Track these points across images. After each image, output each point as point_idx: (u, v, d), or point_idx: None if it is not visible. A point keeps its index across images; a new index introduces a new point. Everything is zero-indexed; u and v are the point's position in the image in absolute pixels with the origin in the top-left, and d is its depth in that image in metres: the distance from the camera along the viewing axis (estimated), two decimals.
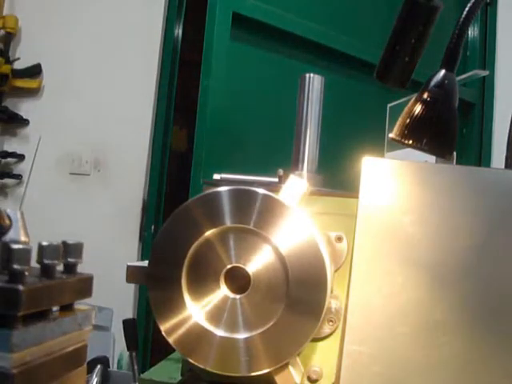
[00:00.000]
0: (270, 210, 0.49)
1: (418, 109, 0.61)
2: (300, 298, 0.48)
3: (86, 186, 2.11)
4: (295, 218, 0.49)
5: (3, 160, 2.15)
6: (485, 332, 0.49)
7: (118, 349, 1.98)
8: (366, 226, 0.51)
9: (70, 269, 0.44)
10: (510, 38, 2.47)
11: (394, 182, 0.52)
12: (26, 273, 0.37)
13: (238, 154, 1.72)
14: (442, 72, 0.61)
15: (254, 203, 0.49)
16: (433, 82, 0.61)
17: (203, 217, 0.50)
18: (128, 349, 1.32)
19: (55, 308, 0.42)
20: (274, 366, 0.48)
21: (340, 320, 0.53)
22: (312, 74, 0.66)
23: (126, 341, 1.30)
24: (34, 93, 2.16)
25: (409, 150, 0.63)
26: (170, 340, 0.49)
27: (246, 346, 0.48)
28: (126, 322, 1.31)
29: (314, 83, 0.66)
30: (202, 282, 0.50)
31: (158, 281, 0.50)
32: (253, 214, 0.49)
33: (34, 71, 2.14)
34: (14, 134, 2.17)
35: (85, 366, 0.45)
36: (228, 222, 0.49)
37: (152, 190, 2.09)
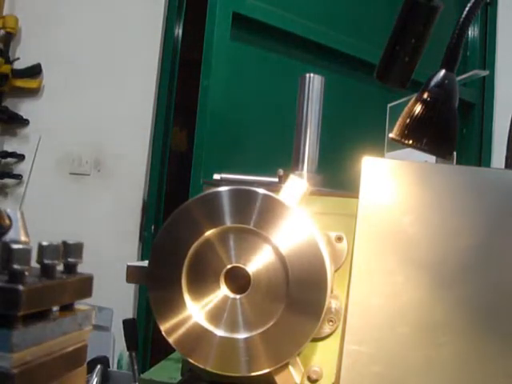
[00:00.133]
0: (270, 209, 0.49)
1: (418, 109, 0.61)
2: (300, 298, 0.48)
3: (85, 186, 2.12)
4: (295, 218, 0.49)
5: (3, 160, 2.15)
6: (485, 332, 0.49)
7: (118, 349, 1.98)
8: (366, 226, 0.51)
9: (70, 269, 0.44)
10: (510, 37, 2.47)
11: (393, 182, 0.52)
12: (26, 273, 0.37)
13: (238, 154, 1.72)
14: (442, 72, 0.61)
15: (254, 203, 0.49)
16: (433, 82, 0.61)
17: (203, 217, 0.50)
18: (128, 349, 1.32)
19: (55, 308, 0.42)
20: (273, 366, 0.48)
21: (340, 320, 0.53)
22: (312, 74, 0.66)
23: (126, 341, 1.30)
24: (34, 93, 2.16)
25: (409, 150, 0.63)
26: (170, 340, 0.49)
27: (246, 346, 0.48)
28: (125, 322, 1.31)
29: (314, 83, 0.66)
30: (201, 282, 0.50)
31: (158, 281, 0.50)
32: (253, 214, 0.49)
33: (34, 71, 2.14)
34: (14, 134, 2.17)
35: (85, 366, 0.45)
36: (228, 222, 0.49)
37: (152, 190, 2.09)
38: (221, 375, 0.49)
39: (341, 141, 1.65)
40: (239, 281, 0.49)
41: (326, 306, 0.48)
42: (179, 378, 0.57)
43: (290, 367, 0.49)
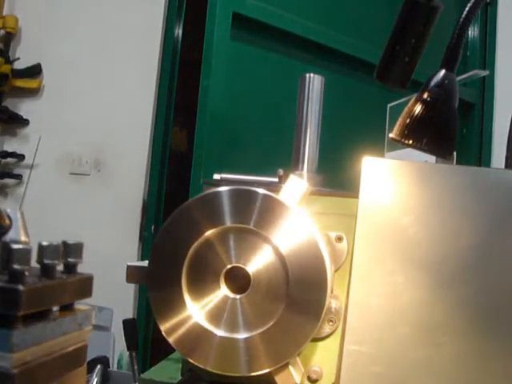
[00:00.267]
0: (270, 209, 0.49)
1: (418, 109, 0.61)
2: (300, 298, 0.48)
3: (85, 186, 2.11)
4: (295, 218, 0.49)
5: (3, 160, 2.15)
6: (485, 332, 0.49)
7: (118, 349, 1.98)
8: (366, 226, 0.51)
9: (70, 269, 0.44)
10: (510, 37, 2.47)
11: (393, 182, 0.52)
12: (26, 273, 0.37)
13: (238, 154, 1.72)
14: (442, 72, 0.61)
15: (254, 203, 0.49)
16: (433, 82, 0.61)
17: (203, 217, 0.50)
18: (128, 349, 1.32)
19: (55, 308, 0.42)
20: (274, 366, 0.48)
21: (340, 320, 0.53)
22: (312, 74, 0.66)
23: (126, 341, 1.30)
24: (34, 93, 2.16)
25: (409, 149, 0.63)
26: (170, 340, 0.49)
27: (246, 346, 0.48)
28: (126, 322, 1.31)
29: (314, 83, 0.66)
30: (201, 282, 0.50)
31: (158, 281, 0.50)
32: (253, 214, 0.49)
33: (34, 71, 2.14)
34: (14, 134, 2.17)
35: (85, 366, 0.45)
36: (228, 222, 0.49)
37: (152, 190, 2.09)
38: (221, 375, 0.49)
39: (341, 141, 1.65)
40: (239, 281, 0.49)
41: (326, 306, 0.48)
42: (179, 378, 0.57)
43: (290, 367, 0.49)
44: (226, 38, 1.66)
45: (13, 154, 2.13)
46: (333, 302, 0.53)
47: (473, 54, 2.52)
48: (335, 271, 0.54)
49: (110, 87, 2.12)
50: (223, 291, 0.49)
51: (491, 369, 0.48)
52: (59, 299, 0.42)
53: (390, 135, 0.63)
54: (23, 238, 0.46)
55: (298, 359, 0.51)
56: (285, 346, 0.48)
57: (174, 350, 0.50)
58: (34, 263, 0.39)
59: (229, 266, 0.49)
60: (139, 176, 2.09)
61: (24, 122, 2.15)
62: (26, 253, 0.37)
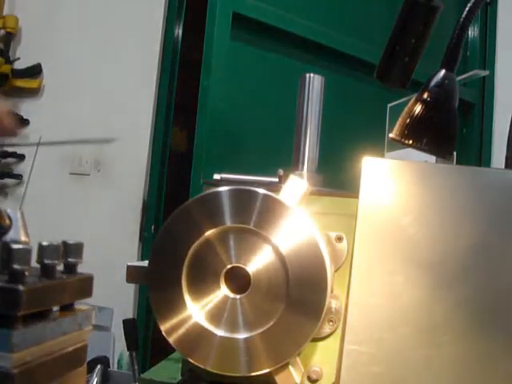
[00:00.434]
0: (270, 209, 0.49)
1: (418, 109, 0.61)
2: (300, 298, 0.48)
3: (85, 186, 2.11)
4: (295, 218, 0.49)
5: (3, 160, 2.15)
6: (485, 332, 0.49)
7: (118, 349, 1.98)
8: (366, 226, 0.51)
9: (70, 269, 0.44)
10: (510, 37, 2.47)
11: (393, 182, 0.52)
12: (26, 273, 0.37)
13: (238, 154, 1.72)
14: (442, 72, 0.61)
15: (254, 203, 0.49)
16: (433, 82, 0.61)
17: (203, 217, 0.50)
18: (128, 349, 1.32)
19: (55, 308, 0.42)
20: (274, 366, 0.48)
21: (340, 320, 0.53)
22: (312, 74, 0.66)
23: (126, 341, 1.30)
24: (34, 93, 2.16)
25: (409, 149, 0.63)
26: (170, 340, 0.49)
27: (246, 346, 0.48)
28: (125, 322, 1.31)
29: (314, 83, 0.66)
30: (202, 282, 0.50)
31: (158, 281, 0.50)
32: (253, 214, 0.49)
33: (34, 71, 2.14)
34: None
35: (85, 366, 0.45)
36: (228, 222, 0.49)
37: (152, 190, 2.09)
38: (221, 375, 0.49)
39: (341, 141, 1.65)
40: (239, 281, 0.49)
41: (326, 306, 0.48)
42: (179, 378, 0.57)
43: (290, 367, 0.49)
44: (225, 38, 1.66)
45: (13, 154, 2.13)
46: (333, 302, 0.53)
47: (473, 54, 2.52)
48: (335, 271, 0.54)
49: (109, 87, 2.12)
50: (223, 291, 0.49)
51: (491, 369, 0.48)
52: (59, 299, 0.42)
53: (390, 135, 0.63)
54: (23, 238, 0.46)
55: (298, 359, 0.51)
56: (285, 346, 0.48)
57: (174, 350, 0.50)
58: (34, 263, 0.39)
59: (229, 266, 0.49)
60: (139, 176, 2.09)
61: (24, 122, 2.14)
62: (26, 253, 0.37)
